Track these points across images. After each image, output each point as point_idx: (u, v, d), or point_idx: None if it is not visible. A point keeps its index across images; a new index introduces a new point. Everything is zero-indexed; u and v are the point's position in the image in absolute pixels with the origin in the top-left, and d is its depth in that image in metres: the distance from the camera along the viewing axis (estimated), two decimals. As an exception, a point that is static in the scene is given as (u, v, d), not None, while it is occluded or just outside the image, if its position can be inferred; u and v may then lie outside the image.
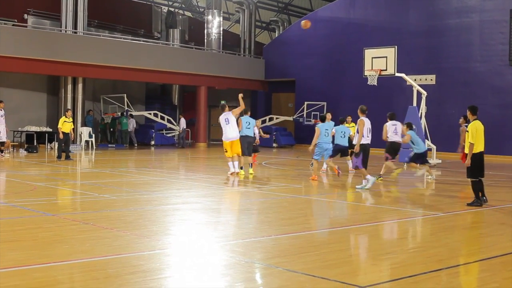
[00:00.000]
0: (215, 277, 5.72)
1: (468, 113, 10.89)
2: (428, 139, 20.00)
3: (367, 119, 13.00)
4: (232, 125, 15.25)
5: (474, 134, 10.36)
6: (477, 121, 10.53)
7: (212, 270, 5.99)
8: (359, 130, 12.69)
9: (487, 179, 16.03)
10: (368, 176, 12.71)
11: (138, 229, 7.85)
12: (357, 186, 13.04)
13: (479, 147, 10.44)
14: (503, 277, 5.90)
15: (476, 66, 26.69)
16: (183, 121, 30.49)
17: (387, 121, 15.39)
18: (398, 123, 15.28)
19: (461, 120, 17.15)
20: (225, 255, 6.56)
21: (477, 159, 10.45)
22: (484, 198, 10.72)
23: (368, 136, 12.84)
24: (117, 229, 7.78)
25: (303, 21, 19.23)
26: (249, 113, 16.26)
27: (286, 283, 5.51)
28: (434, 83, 23.99)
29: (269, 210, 10.18)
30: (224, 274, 5.81)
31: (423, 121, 20.22)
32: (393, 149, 15.25)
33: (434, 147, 20.25)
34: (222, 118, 15.32)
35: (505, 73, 25.89)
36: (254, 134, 16.27)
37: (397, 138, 15.15)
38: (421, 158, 14.95)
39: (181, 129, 30.43)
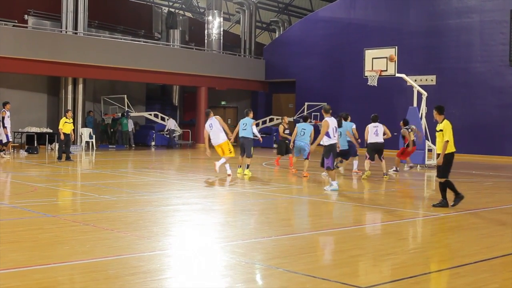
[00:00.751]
0: (216, 278, 5.72)
1: (435, 113, 10.71)
2: (428, 140, 19.98)
3: (331, 119, 12.72)
4: (215, 131, 15.09)
5: (450, 133, 10.34)
6: (447, 120, 10.51)
7: (212, 271, 5.99)
8: (321, 131, 12.50)
9: (487, 180, 16.05)
10: (334, 182, 12.63)
11: (139, 230, 7.86)
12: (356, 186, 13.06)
13: (453, 147, 10.41)
14: (503, 278, 5.90)
15: (476, 67, 26.68)
16: (170, 122, 30.54)
17: (370, 123, 16.19)
18: (379, 125, 16.05)
19: (401, 123, 17.70)
20: (226, 256, 6.57)
21: (451, 158, 10.41)
22: (446, 201, 10.42)
23: (334, 136, 12.61)
24: (118, 230, 7.78)
25: (390, 55, 19.39)
26: (251, 114, 16.12)
27: (287, 284, 5.51)
28: (435, 83, 23.97)
29: (270, 211, 10.18)
30: (225, 275, 5.81)
31: (424, 122, 20.19)
32: (374, 149, 15.93)
33: (434, 147, 20.19)
34: (207, 124, 15.29)
35: (505, 74, 25.88)
36: (254, 134, 16.21)
37: (377, 139, 15.94)
38: (342, 155, 16.39)
39: (166, 130, 30.51)
